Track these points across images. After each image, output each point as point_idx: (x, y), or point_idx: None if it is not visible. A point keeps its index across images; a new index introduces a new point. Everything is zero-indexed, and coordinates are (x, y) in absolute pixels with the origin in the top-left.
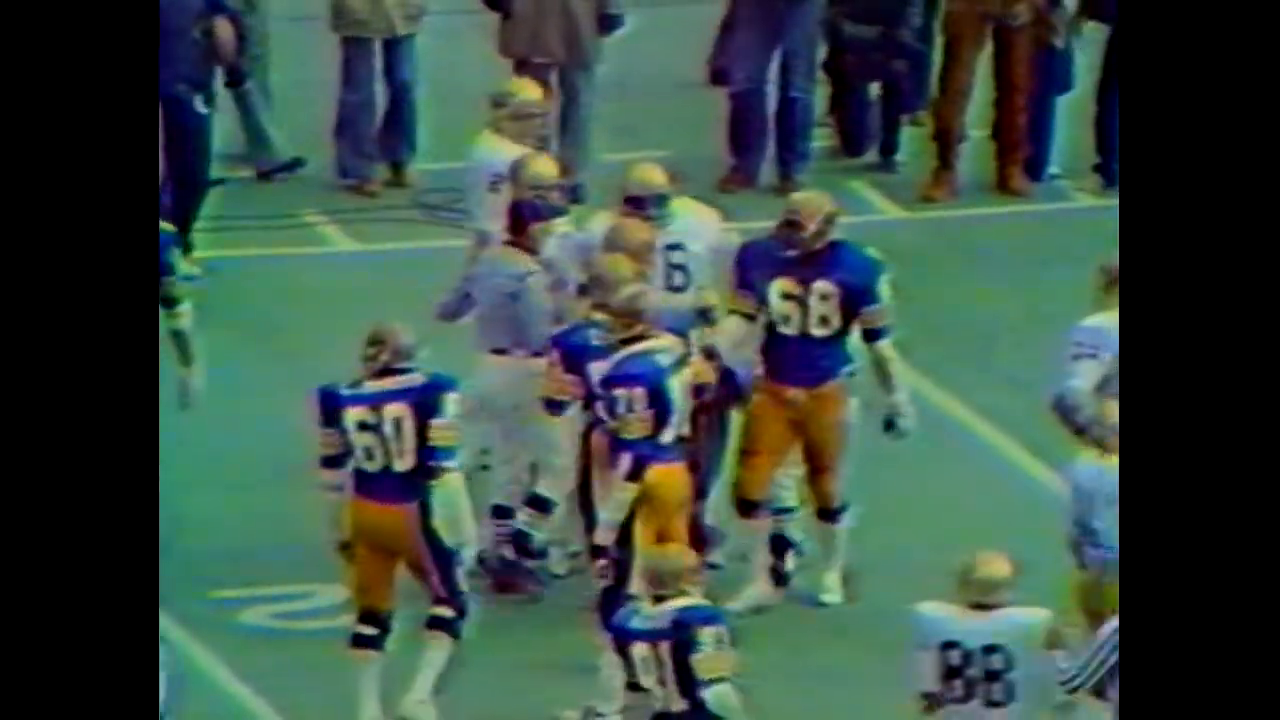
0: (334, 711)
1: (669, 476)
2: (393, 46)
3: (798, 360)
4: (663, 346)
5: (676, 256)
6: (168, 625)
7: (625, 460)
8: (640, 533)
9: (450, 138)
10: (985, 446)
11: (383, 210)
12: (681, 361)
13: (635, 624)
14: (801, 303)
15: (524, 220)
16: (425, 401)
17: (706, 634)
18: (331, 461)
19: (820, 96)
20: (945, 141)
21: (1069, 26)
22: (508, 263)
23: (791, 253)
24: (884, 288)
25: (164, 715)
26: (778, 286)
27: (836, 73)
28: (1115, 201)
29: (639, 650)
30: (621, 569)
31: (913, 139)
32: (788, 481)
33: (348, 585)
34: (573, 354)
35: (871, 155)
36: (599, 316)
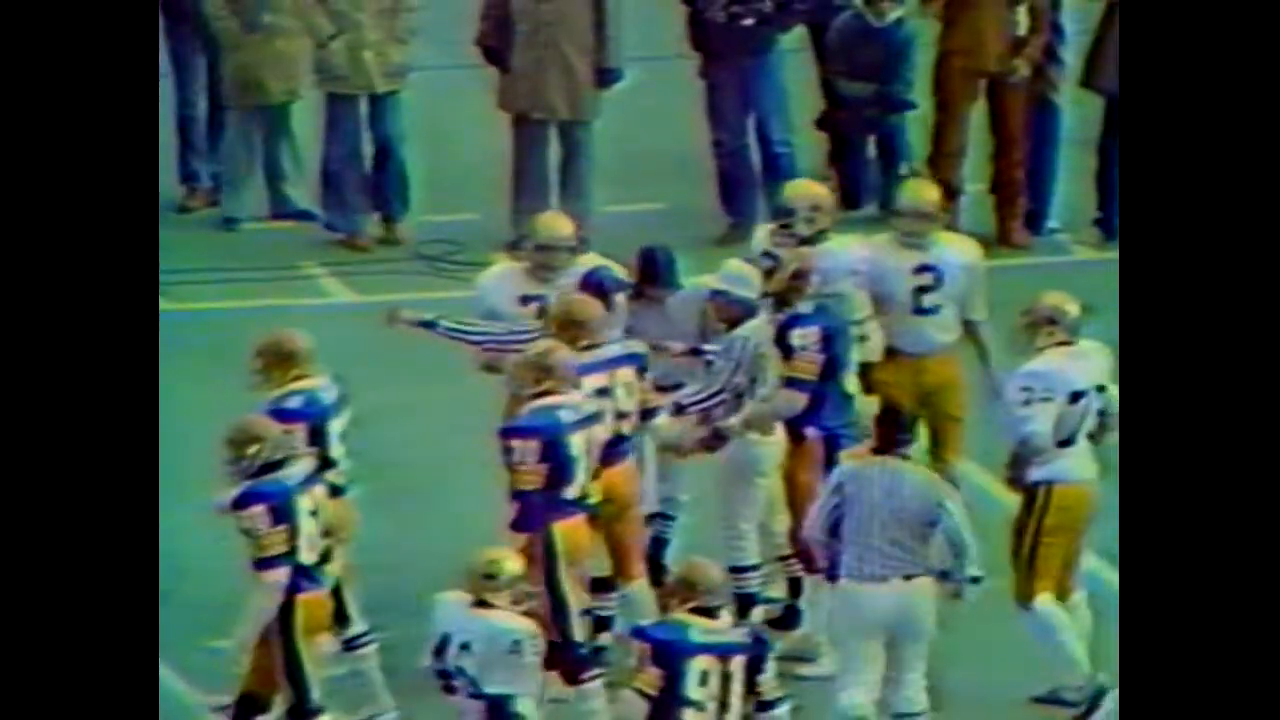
0: None
1: (572, 532)
2: (376, 103)
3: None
4: (570, 403)
5: (927, 279)
6: (166, 674)
7: (513, 510)
8: (567, 586)
9: (449, 190)
10: (985, 492)
11: (382, 262)
12: (590, 419)
13: (697, 638)
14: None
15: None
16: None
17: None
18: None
19: (819, 151)
20: (943, 195)
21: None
22: None
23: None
24: None
25: None
26: None
27: (833, 127)
28: (1115, 255)
29: (700, 664)
30: (560, 619)
31: None
32: (748, 536)
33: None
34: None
35: (871, 208)
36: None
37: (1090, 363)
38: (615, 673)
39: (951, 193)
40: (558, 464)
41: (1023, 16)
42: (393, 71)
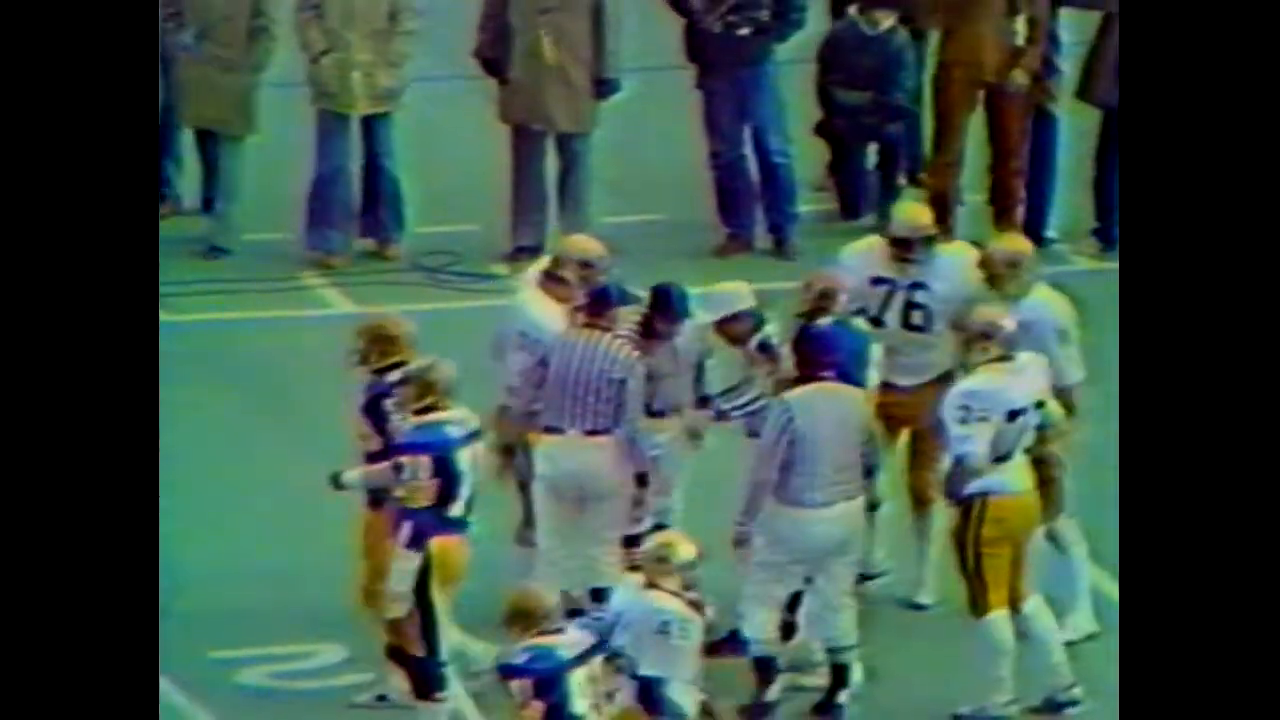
0: None
1: (455, 550)
2: (367, 123)
3: None
4: (455, 418)
5: (919, 296)
6: (167, 685)
7: (406, 528)
8: (437, 601)
9: (449, 202)
10: None
11: (381, 273)
12: (474, 435)
13: (567, 654)
14: None
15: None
16: None
17: None
18: None
19: (816, 161)
20: (941, 205)
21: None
22: (611, 349)
23: None
24: None
25: None
26: None
27: (831, 136)
28: (1113, 265)
29: (577, 679)
30: (426, 633)
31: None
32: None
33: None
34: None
35: (870, 218)
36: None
37: (1028, 378)
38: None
39: (948, 202)
40: (447, 479)
41: (1021, 27)
42: (381, 94)
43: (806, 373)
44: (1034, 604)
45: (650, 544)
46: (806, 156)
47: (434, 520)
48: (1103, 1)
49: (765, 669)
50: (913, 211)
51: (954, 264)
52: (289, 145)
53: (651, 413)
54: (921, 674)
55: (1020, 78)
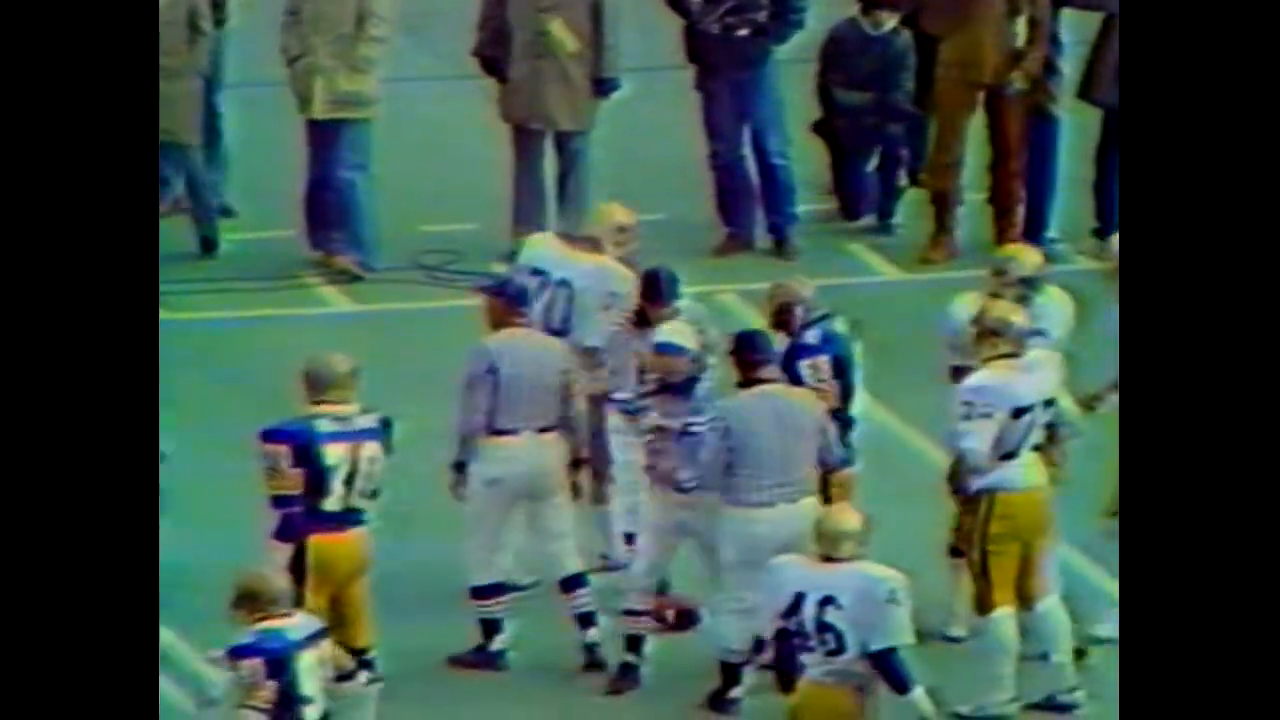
0: None
1: (334, 547)
2: (335, 132)
3: None
4: (335, 413)
5: (1037, 343)
6: (165, 684)
7: (277, 519)
8: (311, 601)
9: (449, 201)
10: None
11: (382, 272)
12: (362, 433)
13: (295, 635)
14: None
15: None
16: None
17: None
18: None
19: (815, 162)
20: (942, 205)
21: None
22: (554, 348)
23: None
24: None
25: None
26: None
27: (831, 137)
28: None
29: (307, 660)
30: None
31: (911, 202)
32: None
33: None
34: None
35: (870, 218)
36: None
37: (1039, 375)
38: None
39: (949, 201)
40: (312, 472)
41: (1021, 28)
42: (340, 99)
43: (746, 375)
44: (1049, 604)
45: (821, 519)
46: (807, 157)
47: (308, 515)
48: (1103, 2)
49: (732, 673)
50: (1029, 253)
51: (1059, 306)
52: (288, 143)
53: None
54: (920, 671)
55: (1020, 79)
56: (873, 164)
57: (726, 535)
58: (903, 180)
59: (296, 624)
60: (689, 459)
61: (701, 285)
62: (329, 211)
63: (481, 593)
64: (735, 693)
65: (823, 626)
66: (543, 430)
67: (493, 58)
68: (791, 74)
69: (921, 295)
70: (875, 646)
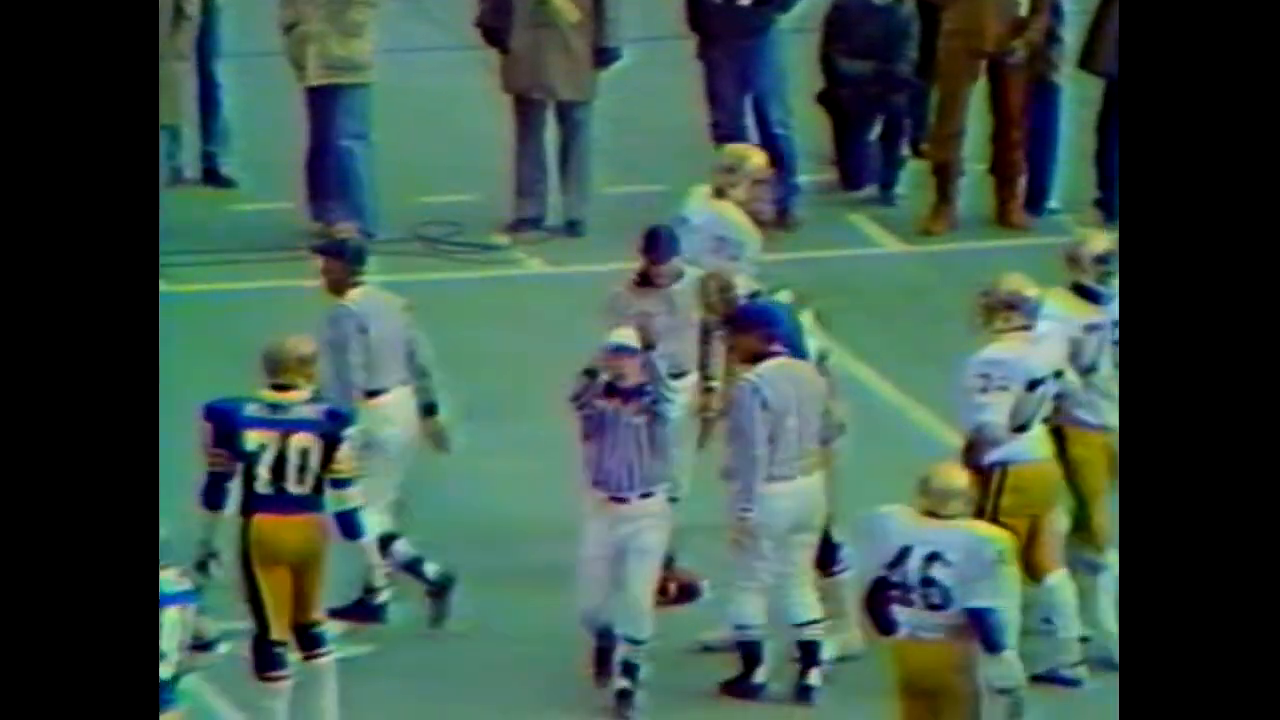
0: None
1: (274, 528)
2: (331, 99)
3: None
4: (274, 399)
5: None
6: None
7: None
8: (261, 581)
9: (450, 172)
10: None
11: (383, 243)
12: (300, 424)
13: (171, 588)
14: None
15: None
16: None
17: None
18: None
19: (817, 132)
20: (943, 176)
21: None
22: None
23: None
24: None
25: None
26: None
27: (834, 107)
28: (1115, 235)
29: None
30: (253, 609)
31: (912, 173)
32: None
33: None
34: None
35: (871, 189)
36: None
37: (1048, 347)
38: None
39: (951, 172)
40: (234, 454)
41: None
42: (334, 64)
43: (759, 350)
44: (1058, 577)
45: (926, 476)
46: (809, 127)
47: (246, 492)
48: None
49: (752, 653)
50: (1102, 238)
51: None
52: (289, 114)
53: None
54: None
55: (1022, 49)
56: (875, 134)
57: (765, 510)
58: (904, 150)
59: (167, 578)
60: (732, 439)
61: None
62: (328, 181)
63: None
64: (759, 676)
65: (927, 581)
66: (404, 384)
67: (494, 28)
68: (794, 43)
69: (923, 267)
70: (977, 604)
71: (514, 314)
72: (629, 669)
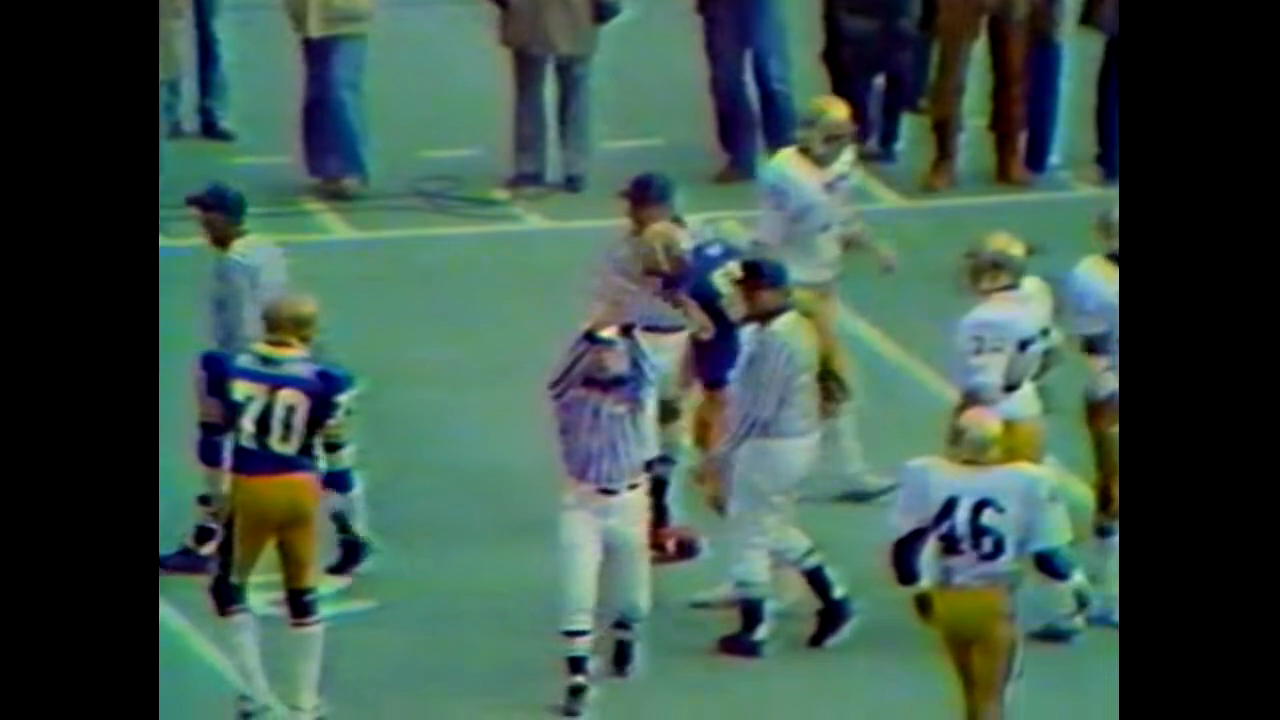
0: (334, 696)
1: (256, 489)
2: (329, 50)
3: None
4: (264, 352)
5: None
6: (167, 610)
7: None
8: (239, 539)
9: (449, 126)
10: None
11: (382, 198)
12: (286, 379)
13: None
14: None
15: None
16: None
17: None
18: None
19: (816, 88)
20: (944, 131)
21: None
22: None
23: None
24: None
25: None
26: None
27: (835, 63)
28: (1116, 192)
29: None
30: (222, 552)
31: (913, 128)
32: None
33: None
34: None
35: (872, 145)
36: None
37: (1035, 306)
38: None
39: (951, 128)
40: (225, 405)
41: None
42: (336, 15)
43: (778, 304)
44: None
45: (961, 424)
46: (808, 83)
47: (233, 448)
48: None
49: (754, 611)
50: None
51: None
52: (287, 67)
53: (650, 328)
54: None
55: (1023, 5)
56: (875, 90)
57: (765, 468)
58: (903, 106)
59: None
60: (745, 390)
61: (701, 211)
62: (325, 132)
63: None
64: (760, 633)
65: (979, 530)
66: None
67: None
68: (794, 0)
69: (923, 222)
70: (1038, 547)
71: (513, 269)
72: (624, 650)
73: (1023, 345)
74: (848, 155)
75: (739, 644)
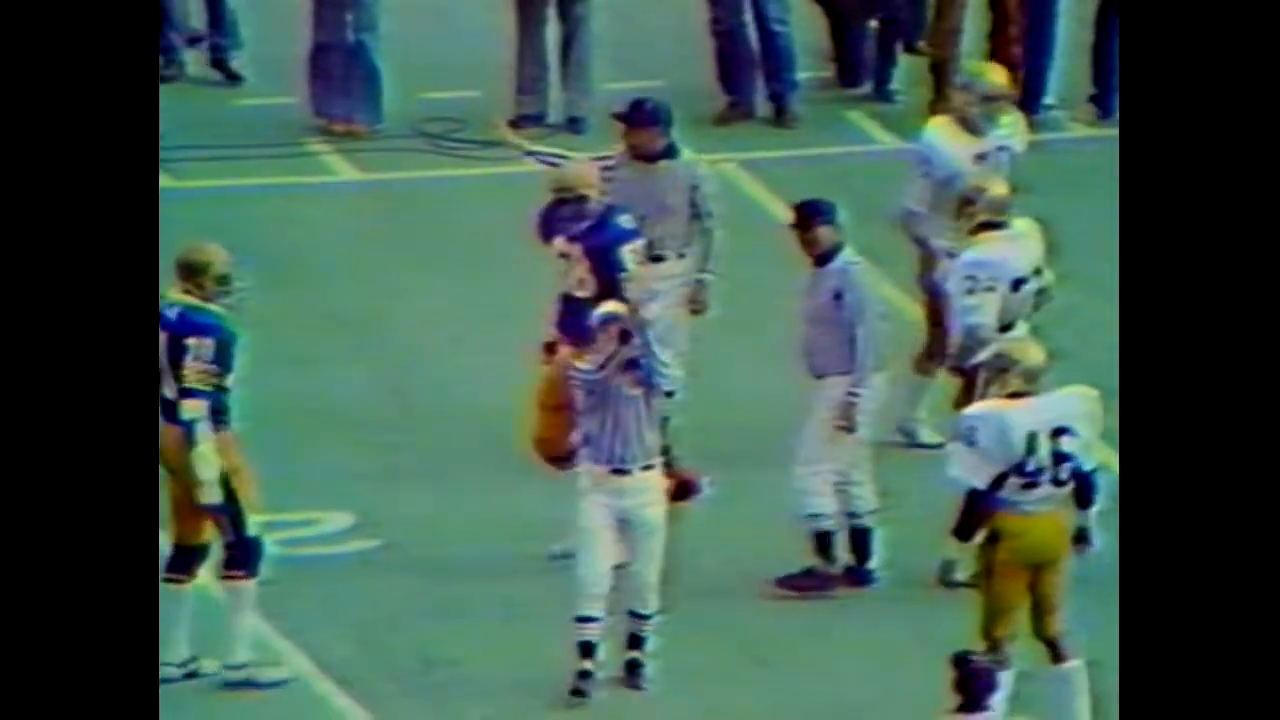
0: (338, 635)
1: (161, 438)
2: None
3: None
4: (169, 298)
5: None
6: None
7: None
8: (164, 489)
9: (451, 68)
10: None
11: (385, 140)
12: (163, 323)
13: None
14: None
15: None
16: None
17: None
18: None
19: (815, 30)
20: (941, 72)
21: None
22: None
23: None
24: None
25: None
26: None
27: (831, 5)
28: (1110, 132)
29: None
30: (233, 521)
31: (909, 70)
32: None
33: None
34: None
35: (867, 86)
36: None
37: (1027, 245)
38: None
39: (948, 69)
40: (225, 369)
41: None
42: None
43: (838, 241)
44: None
45: (1021, 358)
46: (807, 24)
47: (220, 409)
48: None
49: (828, 544)
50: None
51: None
52: (295, 6)
53: (648, 257)
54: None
55: None
56: (872, 27)
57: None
58: (899, 47)
59: None
60: (856, 321)
61: (702, 153)
62: (335, 76)
63: None
64: (834, 566)
65: (1059, 457)
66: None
67: None
68: None
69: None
70: (1092, 467)
71: (516, 210)
72: (637, 641)
73: (1016, 285)
74: (1009, 122)
75: (811, 579)
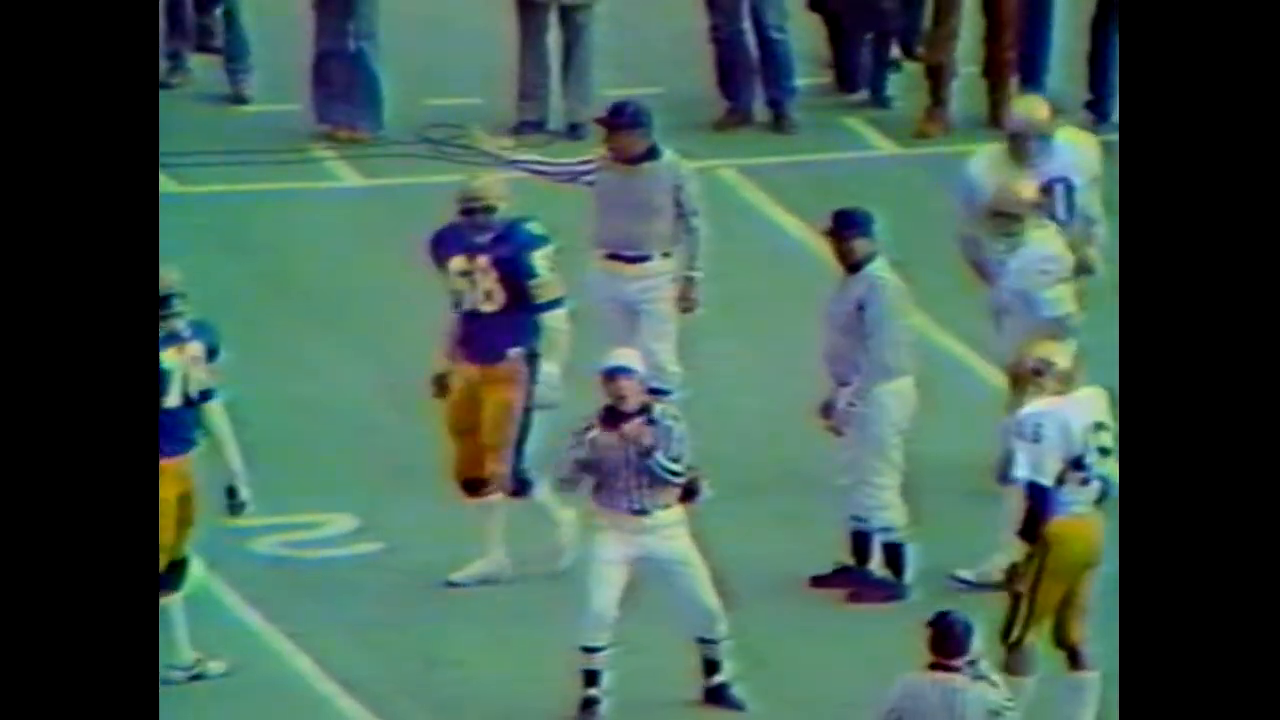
0: (341, 638)
1: (166, 470)
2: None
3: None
4: (177, 329)
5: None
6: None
7: None
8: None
9: (454, 74)
10: (980, 379)
11: (389, 146)
12: (175, 337)
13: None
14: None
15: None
16: None
17: None
18: None
19: (814, 37)
20: (937, 78)
21: None
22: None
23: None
24: (540, 262)
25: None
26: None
27: (826, 10)
28: (1108, 137)
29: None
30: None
31: (906, 76)
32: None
33: None
34: None
35: (865, 92)
36: None
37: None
38: None
39: (945, 75)
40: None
41: None
42: None
43: (870, 251)
44: None
45: (1058, 361)
46: (805, 31)
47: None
48: None
49: (899, 556)
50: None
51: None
52: (299, 14)
53: (633, 258)
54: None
55: None
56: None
57: (892, 408)
58: (895, 53)
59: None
60: (872, 334)
61: (700, 159)
62: (337, 83)
63: None
64: (907, 577)
65: (1102, 451)
66: None
67: None
68: None
69: (916, 169)
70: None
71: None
72: (713, 667)
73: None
74: (1039, 238)
75: (886, 591)
